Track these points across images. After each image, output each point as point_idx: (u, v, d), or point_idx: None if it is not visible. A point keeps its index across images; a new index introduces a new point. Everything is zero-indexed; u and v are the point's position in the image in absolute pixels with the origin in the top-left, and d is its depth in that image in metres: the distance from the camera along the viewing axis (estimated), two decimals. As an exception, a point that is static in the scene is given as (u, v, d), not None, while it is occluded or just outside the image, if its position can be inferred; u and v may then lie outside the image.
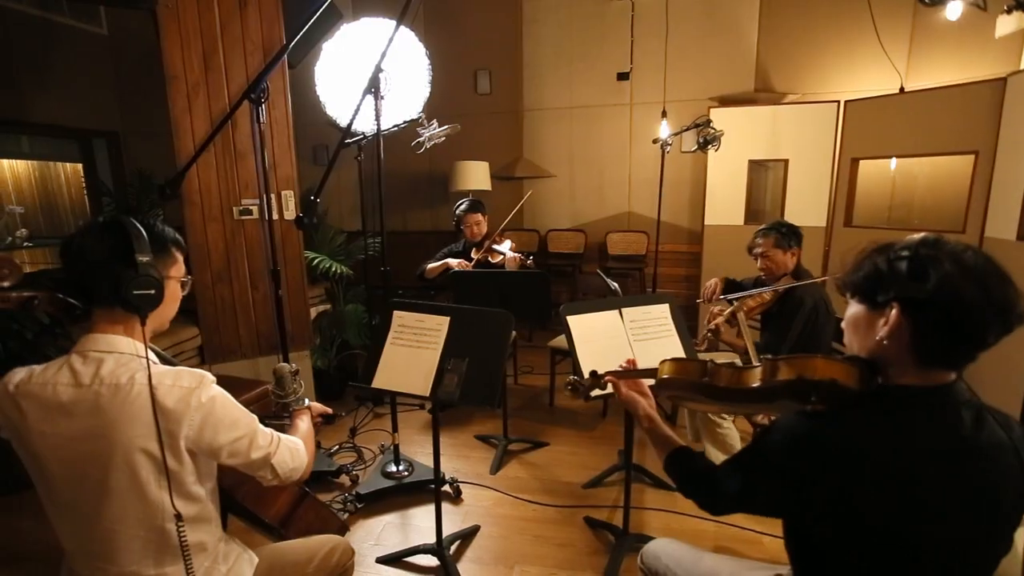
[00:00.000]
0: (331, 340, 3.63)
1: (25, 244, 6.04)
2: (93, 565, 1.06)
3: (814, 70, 4.44)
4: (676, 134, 3.32)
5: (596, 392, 1.35)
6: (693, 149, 3.24)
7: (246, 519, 1.53)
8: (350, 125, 2.26)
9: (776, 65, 4.54)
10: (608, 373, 1.30)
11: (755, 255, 2.42)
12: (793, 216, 4.22)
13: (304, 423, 1.37)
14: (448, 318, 1.89)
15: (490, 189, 5.08)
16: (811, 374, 0.89)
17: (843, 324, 0.95)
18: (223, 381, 1.16)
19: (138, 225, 1.03)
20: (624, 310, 1.95)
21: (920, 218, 4.32)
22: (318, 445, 2.90)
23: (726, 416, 2.40)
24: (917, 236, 0.86)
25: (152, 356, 1.09)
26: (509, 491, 2.51)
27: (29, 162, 6.90)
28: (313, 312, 3.63)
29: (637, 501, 2.35)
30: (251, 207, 2.81)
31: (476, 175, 4.96)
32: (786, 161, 4.23)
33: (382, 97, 2.30)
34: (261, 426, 1.16)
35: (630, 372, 1.27)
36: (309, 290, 3.71)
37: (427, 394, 1.78)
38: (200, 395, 1.04)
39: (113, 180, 5.46)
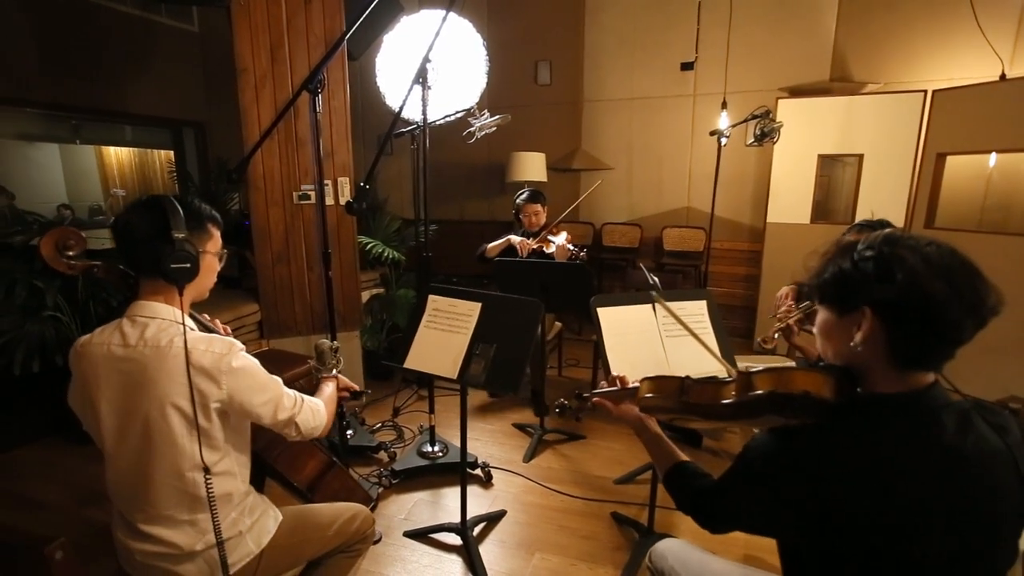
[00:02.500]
0: (382, 323, 3.78)
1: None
2: (135, 506, 1.18)
3: (900, 56, 4.08)
4: (733, 126, 3.17)
5: (584, 414, 1.30)
6: (750, 142, 3.08)
7: (279, 482, 1.64)
8: (398, 115, 2.32)
9: (856, 52, 4.22)
10: (594, 394, 1.25)
11: None
12: (866, 216, 3.95)
13: (328, 388, 1.47)
14: (480, 304, 1.92)
15: (546, 180, 5.07)
16: (783, 387, 0.85)
17: (814, 331, 0.90)
18: (274, 353, 1.27)
19: (175, 204, 1.13)
20: (657, 305, 1.91)
21: (1022, 222, 3.89)
22: (362, 422, 3.05)
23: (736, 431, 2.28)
24: (879, 233, 0.81)
25: (191, 323, 1.20)
26: (539, 480, 2.53)
27: (131, 149, 7.62)
28: (366, 295, 3.80)
29: (669, 502, 2.27)
30: (309, 192, 2.97)
31: (532, 166, 4.97)
32: (860, 156, 3.93)
33: (429, 87, 2.34)
34: (287, 389, 1.26)
35: (614, 392, 1.22)
36: (365, 274, 3.89)
37: (455, 377, 1.82)
38: (230, 360, 1.14)
39: (198, 167, 5.92)
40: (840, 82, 4.23)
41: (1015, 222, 3.91)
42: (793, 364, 0.90)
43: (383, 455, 2.71)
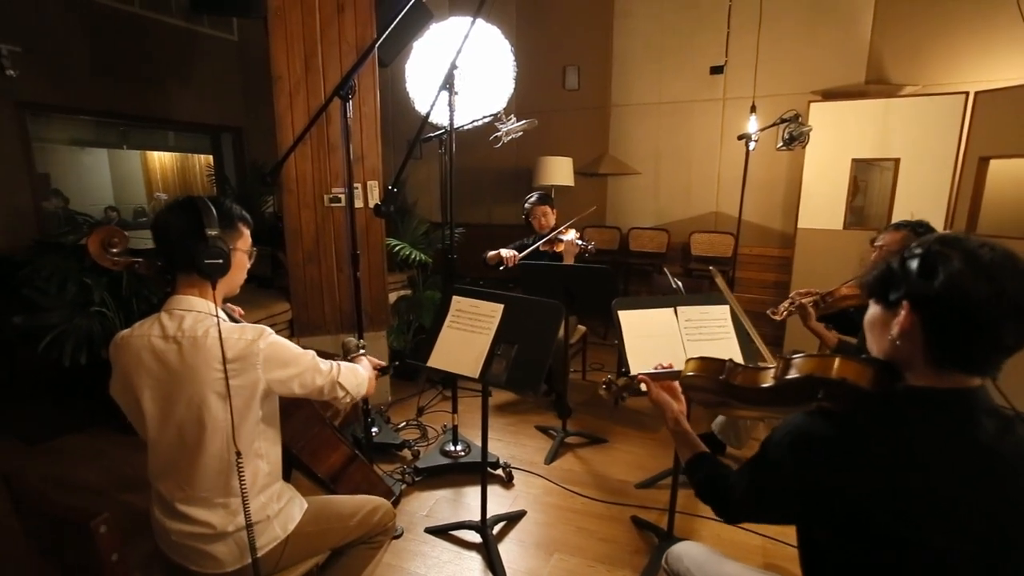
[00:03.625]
0: (408, 323, 3.85)
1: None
2: (175, 488, 1.24)
3: (940, 57, 3.96)
4: (761, 130, 3.13)
5: (628, 394, 1.33)
6: (779, 146, 3.03)
7: (304, 473, 1.70)
8: (425, 120, 2.38)
9: (893, 54, 4.11)
10: (641, 374, 1.29)
11: (875, 247, 2.19)
12: (904, 218, 3.83)
13: (362, 362, 1.57)
14: (502, 306, 1.95)
15: (572, 185, 5.09)
16: (822, 372, 0.85)
17: (864, 326, 0.89)
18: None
19: (209, 204, 1.20)
20: (680, 308, 1.91)
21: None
22: (387, 420, 3.11)
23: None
24: (938, 234, 0.81)
25: (223, 315, 1.26)
26: (560, 482, 2.54)
27: (173, 154, 7.95)
28: (393, 296, 3.87)
29: (690, 508, 2.28)
30: (339, 195, 3.06)
31: (559, 170, 4.99)
32: (897, 160, 3.82)
33: (456, 93, 2.39)
34: (320, 359, 1.34)
35: (661, 373, 1.26)
36: (393, 276, 3.96)
37: (476, 376, 1.86)
38: (260, 344, 1.21)
39: (236, 171, 6.14)
40: (876, 84, 4.13)
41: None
42: (834, 353, 0.90)
43: (407, 453, 2.76)
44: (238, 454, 1.19)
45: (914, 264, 0.80)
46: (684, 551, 1.32)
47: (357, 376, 1.43)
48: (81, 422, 3.06)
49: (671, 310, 1.90)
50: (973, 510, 0.75)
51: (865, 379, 0.83)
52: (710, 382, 1.09)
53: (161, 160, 8.13)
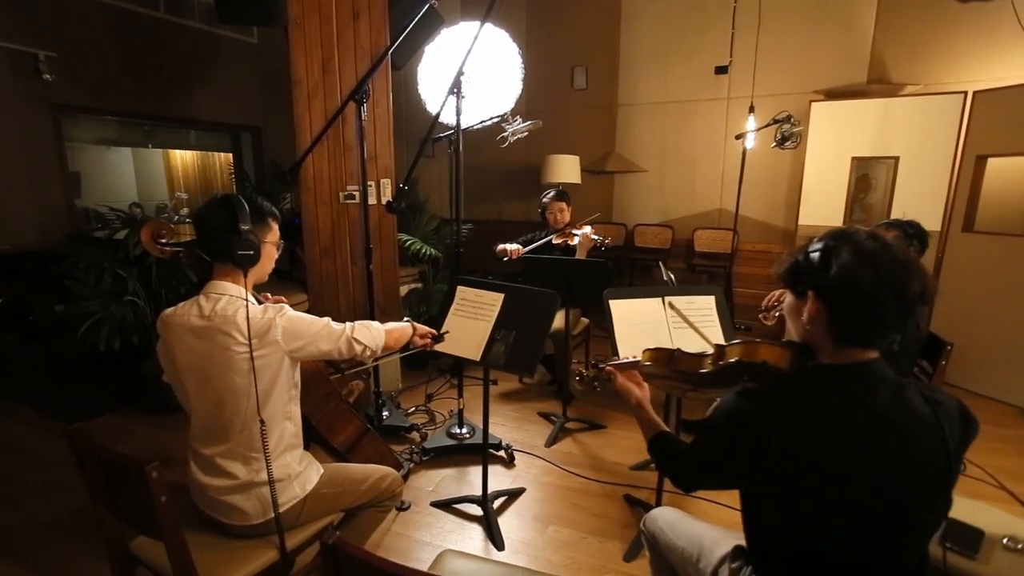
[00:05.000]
0: (419, 315, 4.02)
1: (187, 220, 7.28)
2: (210, 443, 1.43)
3: (941, 57, 4.03)
4: (756, 130, 3.24)
5: (598, 384, 1.44)
6: (772, 146, 3.15)
7: (321, 446, 1.88)
8: (435, 122, 2.54)
9: (895, 53, 4.18)
10: (607, 365, 1.41)
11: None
12: (897, 216, 3.91)
13: (400, 325, 1.70)
14: (503, 295, 2.11)
15: (579, 182, 5.22)
16: (748, 357, 1.00)
17: (783, 312, 1.04)
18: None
19: (243, 201, 1.37)
20: (668, 298, 2.05)
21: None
22: (397, 406, 3.29)
23: None
24: (833, 229, 0.95)
25: (251, 298, 1.44)
26: (559, 463, 2.69)
27: (194, 152, 8.23)
28: (405, 289, 4.05)
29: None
30: (354, 192, 3.23)
31: (566, 168, 5.13)
32: (896, 159, 3.90)
33: (463, 96, 2.54)
34: (333, 322, 1.50)
35: (624, 364, 1.37)
36: (406, 270, 4.14)
37: (478, 359, 2.02)
38: (277, 320, 1.39)
39: (255, 168, 6.37)
40: (878, 84, 4.21)
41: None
42: (764, 340, 1.04)
43: (415, 435, 2.94)
44: (262, 422, 1.36)
45: (815, 257, 0.94)
46: (659, 514, 1.47)
47: (371, 330, 1.57)
48: (114, 404, 3.29)
49: (659, 300, 2.04)
50: (871, 466, 0.89)
51: (784, 361, 0.98)
52: (662, 369, 1.23)
53: (183, 158, 8.41)
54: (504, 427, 3.09)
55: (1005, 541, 1.46)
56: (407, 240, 3.97)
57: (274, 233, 1.49)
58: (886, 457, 0.89)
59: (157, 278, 3.11)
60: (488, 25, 3.89)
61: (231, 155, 6.66)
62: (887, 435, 0.89)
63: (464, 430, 2.87)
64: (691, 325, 1.99)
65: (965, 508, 1.61)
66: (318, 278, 3.32)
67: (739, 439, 0.97)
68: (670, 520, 1.42)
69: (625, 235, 5.43)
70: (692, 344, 1.96)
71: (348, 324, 1.53)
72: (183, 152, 8.38)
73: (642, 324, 2.00)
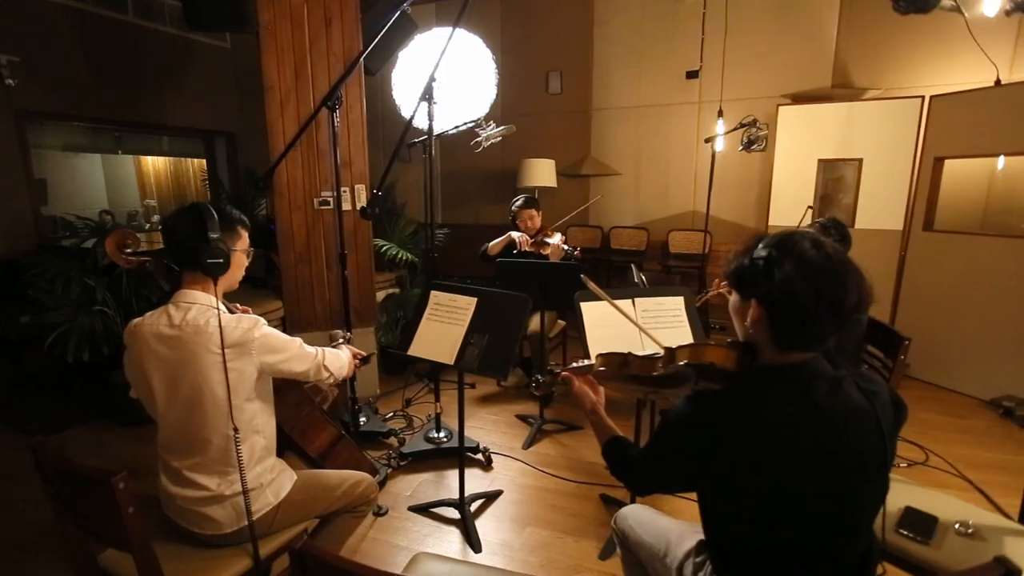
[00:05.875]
0: (396, 320, 4.02)
1: (159, 227, 7.15)
2: (179, 455, 1.42)
3: (900, 63, 4.18)
4: (724, 134, 3.32)
5: (554, 389, 1.46)
6: (739, 149, 3.23)
7: (296, 453, 1.87)
8: (407, 127, 2.56)
9: (857, 59, 4.33)
10: (563, 370, 1.43)
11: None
12: (867, 219, 4.06)
13: (343, 349, 1.74)
14: (476, 299, 2.13)
15: (555, 186, 5.27)
16: (696, 359, 1.04)
17: (730, 311, 1.08)
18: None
19: (211, 210, 1.37)
20: (637, 300, 2.09)
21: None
22: (375, 411, 3.28)
23: None
24: (777, 235, 0.98)
25: (222, 307, 1.44)
26: (536, 464, 2.72)
27: (167, 158, 8.09)
28: (382, 294, 4.05)
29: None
30: (328, 198, 3.23)
31: (542, 172, 5.18)
32: (860, 161, 4.03)
33: (435, 103, 2.56)
34: (307, 346, 1.53)
35: (579, 368, 1.39)
36: (383, 275, 4.14)
37: (452, 363, 2.03)
38: (254, 332, 1.39)
39: (229, 174, 6.29)
40: (842, 88, 4.34)
41: (1017, 225, 3.96)
42: (712, 342, 1.08)
43: (393, 440, 2.94)
44: (235, 430, 1.37)
45: (760, 265, 0.96)
46: (629, 512, 1.51)
47: (339, 360, 1.63)
48: (84, 415, 3.22)
49: (629, 301, 2.08)
50: (816, 459, 0.93)
51: (730, 361, 1.02)
52: (616, 373, 1.25)
53: (155, 164, 8.25)
54: (482, 430, 3.11)
55: (957, 526, 1.53)
56: (383, 245, 3.97)
57: (244, 241, 1.49)
58: (830, 449, 0.93)
59: (127, 287, 3.06)
60: (462, 31, 3.93)
61: (203, 161, 6.56)
62: (829, 429, 0.93)
63: (442, 434, 2.88)
64: (640, 327, 2.03)
65: (922, 497, 1.68)
66: (293, 284, 3.30)
67: (689, 441, 1.01)
68: (639, 517, 1.46)
69: (601, 238, 5.50)
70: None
71: (319, 349, 1.57)
72: (155, 158, 8.23)
73: (612, 326, 2.04)
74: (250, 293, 3.54)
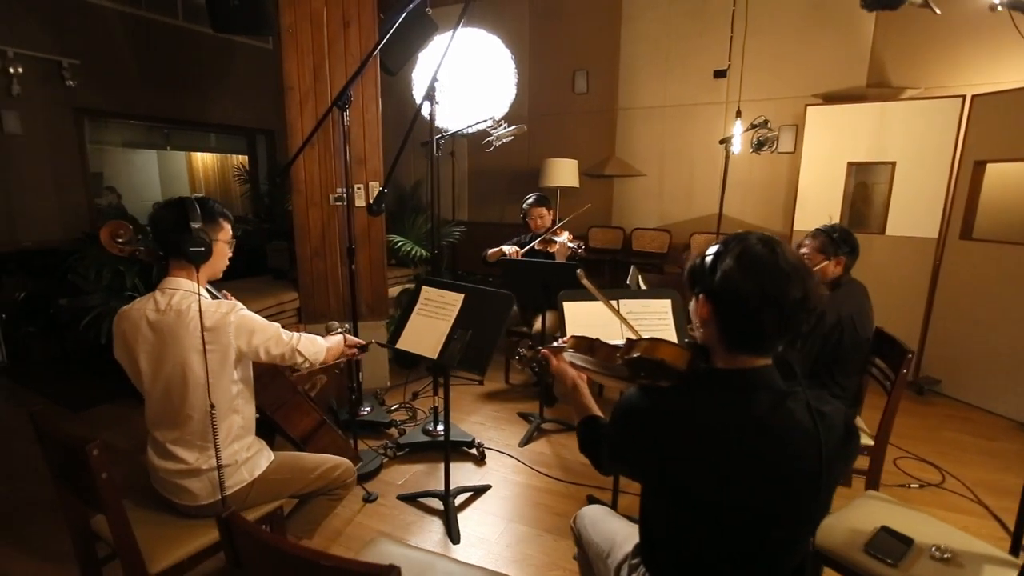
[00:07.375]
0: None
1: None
2: (166, 431, 1.54)
3: (941, 61, 3.95)
4: (740, 134, 3.24)
5: (536, 365, 1.52)
6: (751, 151, 3.14)
7: (281, 435, 1.97)
8: (411, 126, 2.62)
9: (895, 57, 4.11)
10: (543, 348, 1.47)
11: (802, 253, 2.32)
12: (899, 225, 3.88)
13: (334, 338, 1.81)
14: (463, 296, 2.18)
15: (578, 186, 5.25)
16: (648, 354, 1.04)
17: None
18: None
19: (194, 202, 1.47)
20: (622, 301, 2.08)
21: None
22: (381, 402, 3.38)
23: None
24: (732, 234, 0.96)
25: (204, 293, 1.54)
26: (529, 462, 2.74)
27: (214, 154, 8.53)
28: (397, 289, 4.15)
29: (632, 486, 2.44)
30: (343, 195, 3.34)
31: (564, 172, 5.17)
32: (893, 164, 3.84)
33: (438, 103, 2.62)
34: (283, 329, 1.61)
35: (560, 347, 1.44)
36: (400, 271, 4.25)
37: (435, 357, 2.09)
38: (231, 316, 1.49)
39: (269, 171, 6.57)
40: (877, 88, 4.14)
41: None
42: (669, 340, 1.07)
43: (394, 431, 3.02)
44: (212, 407, 1.46)
45: (708, 262, 0.96)
46: (586, 511, 1.52)
47: (315, 345, 1.69)
48: (112, 393, 3.46)
49: (613, 303, 2.08)
50: (745, 470, 0.91)
51: (682, 361, 1.00)
52: (586, 356, 1.27)
53: (203, 160, 8.72)
54: (482, 425, 3.16)
55: (932, 550, 1.46)
56: (397, 241, 4.07)
57: (226, 232, 1.59)
58: (759, 462, 0.91)
59: (156, 273, 3.26)
60: (481, 31, 3.99)
61: (245, 157, 6.88)
62: (761, 441, 0.91)
63: (440, 428, 2.94)
64: (623, 319, 2.02)
65: (904, 517, 1.62)
66: (309, 277, 3.44)
67: (632, 431, 1.02)
68: (593, 517, 1.46)
69: (623, 239, 5.44)
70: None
71: (295, 335, 1.63)
72: (203, 155, 8.69)
73: (595, 327, 2.03)
74: (270, 284, 3.71)
